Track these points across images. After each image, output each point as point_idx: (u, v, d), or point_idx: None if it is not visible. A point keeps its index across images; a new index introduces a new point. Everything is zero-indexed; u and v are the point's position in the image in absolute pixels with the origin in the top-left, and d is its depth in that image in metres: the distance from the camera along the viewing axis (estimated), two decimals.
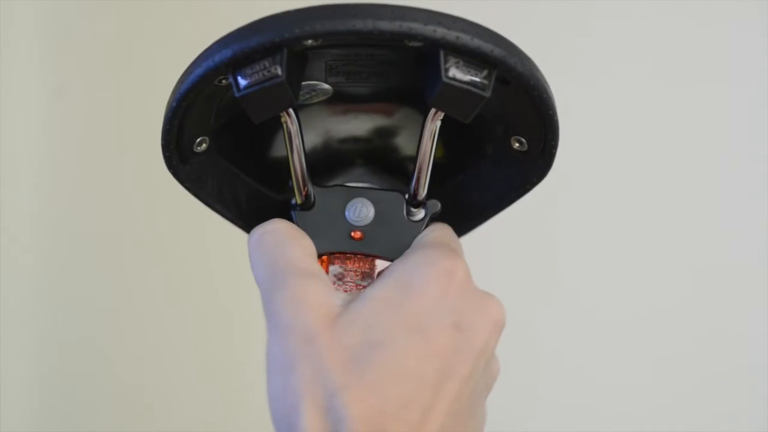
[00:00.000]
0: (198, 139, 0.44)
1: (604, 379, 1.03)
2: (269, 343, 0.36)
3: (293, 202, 0.44)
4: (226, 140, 0.46)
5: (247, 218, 0.50)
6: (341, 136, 0.49)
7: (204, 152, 0.45)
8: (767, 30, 1.00)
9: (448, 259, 0.38)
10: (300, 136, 0.42)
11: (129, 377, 1.08)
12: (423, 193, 0.44)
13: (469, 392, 0.36)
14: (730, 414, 1.01)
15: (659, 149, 1.02)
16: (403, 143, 0.50)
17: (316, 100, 0.45)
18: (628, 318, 1.03)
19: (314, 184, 0.44)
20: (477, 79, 0.38)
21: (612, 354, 1.03)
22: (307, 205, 0.44)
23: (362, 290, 0.38)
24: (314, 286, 0.37)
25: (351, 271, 0.42)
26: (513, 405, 1.04)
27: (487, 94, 0.38)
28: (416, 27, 0.37)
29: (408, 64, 0.41)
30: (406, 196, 0.44)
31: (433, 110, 0.41)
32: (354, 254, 0.43)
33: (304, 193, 0.44)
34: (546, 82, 0.40)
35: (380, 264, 0.43)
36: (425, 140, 0.42)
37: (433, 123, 0.41)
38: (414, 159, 0.43)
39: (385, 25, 0.37)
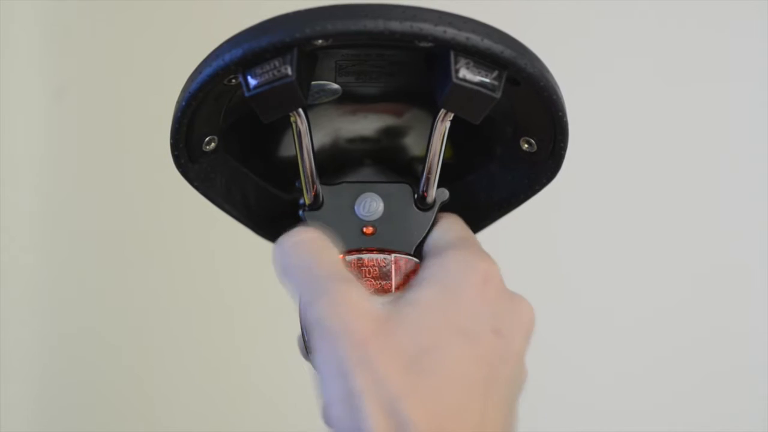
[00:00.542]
0: (207, 139, 0.44)
1: (604, 379, 1.03)
2: (318, 349, 0.36)
3: (302, 201, 0.44)
4: (235, 140, 0.46)
5: (255, 217, 0.50)
6: (350, 136, 0.49)
7: (213, 151, 0.45)
8: (767, 30, 1.00)
9: (483, 262, 0.39)
10: (309, 136, 0.42)
11: (129, 377, 1.08)
12: (432, 193, 0.44)
13: (511, 395, 0.37)
14: (730, 414, 1.01)
15: (659, 149, 1.02)
16: (412, 144, 0.49)
17: (325, 99, 0.45)
18: (628, 318, 1.03)
19: (322, 183, 0.44)
20: (487, 80, 0.38)
21: (612, 354, 1.03)
22: (316, 204, 0.44)
23: (403, 294, 0.38)
24: (356, 290, 0.37)
25: (367, 267, 0.42)
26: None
27: (498, 95, 0.38)
28: (427, 27, 0.37)
29: (418, 65, 0.41)
30: (414, 193, 0.44)
31: (442, 111, 0.40)
32: (369, 251, 0.43)
33: (312, 193, 0.44)
34: (556, 83, 0.40)
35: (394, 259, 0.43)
36: (435, 141, 0.42)
37: (443, 124, 0.41)
38: (423, 160, 0.43)
39: (395, 26, 0.37)
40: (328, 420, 0.35)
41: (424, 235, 0.44)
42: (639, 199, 1.03)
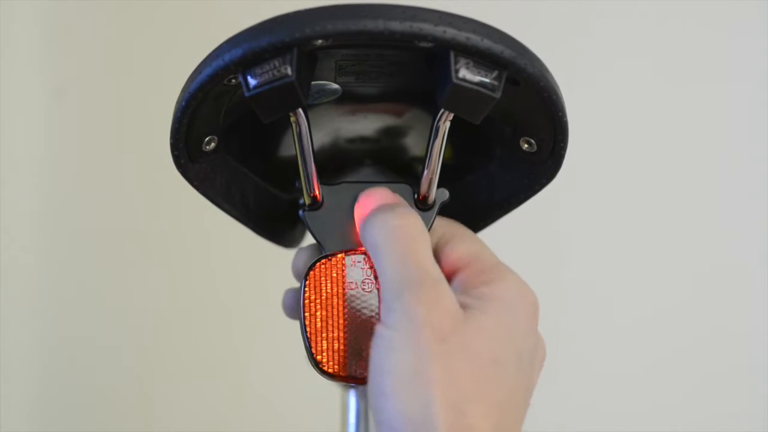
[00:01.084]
0: (207, 138, 0.44)
1: (604, 379, 1.03)
2: (395, 331, 0.37)
3: (301, 201, 0.44)
4: (234, 139, 0.46)
5: (255, 217, 0.49)
6: (350, 136, 0.49)
7: (213, 151, 0.45)
8: (767, 30, 1.00)
9: (533, 293, 0.41)
10: (309, 136, 0.42)
11: (129, 377, 1.08)
12: (432, 194, 0.44)
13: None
14: (730, 414, 1.01)
15: (659, 150, 1.02)
16: (412, 144, 0.49)
17: (325, 100, 0.45)
18: (628, 318, 1.03)
19: (322, 183, 0.44)
20: (487, 80, 0.38)
21: (612, 354, 1.03)
22: (316, 204, 0.44)
23: (480, 303, 0.38)
24: (446, 288, 0.38)
25: (368, 268, 0.42)
26: None
27: (497, 95, 0.38)
28: (427, 27, 0.37)
29: (418, 65, 0.41)
30: (414, 193, 0.44)
31: (442, 111, 0.40)
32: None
33: (312, 193, 0.44)
34: (556, 83, 0.40)
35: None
36: (434, 141, 0.42)
37: (443, 124, 0.41)
38: (423, 160, 0.43)
39: (395, 26, 0.37)
40: (381, 387, 0.36)
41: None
42: (639, 199, 1.03)
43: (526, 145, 0.44)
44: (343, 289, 0.42)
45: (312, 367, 0.42)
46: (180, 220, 1.06)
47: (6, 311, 1.04)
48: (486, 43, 0.37)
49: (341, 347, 0.41)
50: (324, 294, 0.42)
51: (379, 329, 0.37)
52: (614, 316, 1.03)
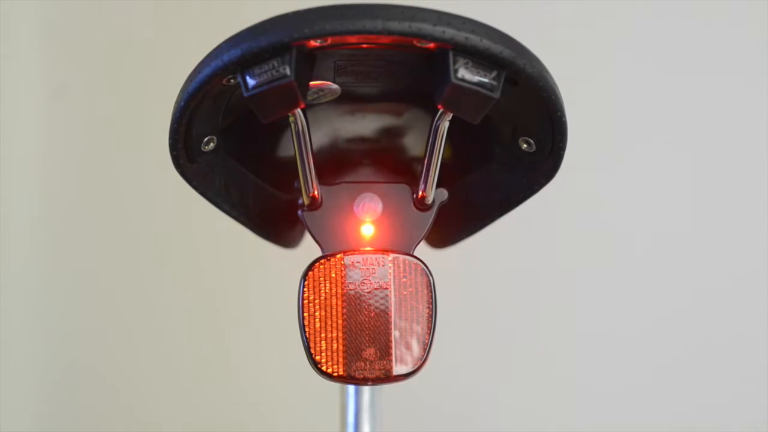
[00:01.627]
0: (206, 139, 0.44)
1: (604, 379, 1.03)
2: None
3: (300, 201, 0.44)
4: (233, 139, 0.46)
5: (253, 217, 0.49)
6: (349, 136, 0.49)
7: (211, 151, 0.44)
8: (767, 30, 1.00)
9: None
10: (308, 136, 0.42)
11: (129, 377, 1.08)
12: (431, 194, 0.44)
13: None
14: (730, 414, 1.01)
15: (659, 150, 1.02)
16: (411, 144, 0.49)
17: (324, 100, 0.45)
18: (628, 318, 1.03)
19: (321, 183, 0.44)
20: (486, 80, 0.38)
21: (612, 355, 1.03)
22: (315, 204, 0.44)
23: None
24: None
25: (366, 267, 0.42)
26: (515, 405, 1.04)
27: (496, 95, 0.38)
28: (425, 27, 0.37)
29: (417, 65, 0.41)
30: (413, 193, 0.44)
31: (441, 111, 0.40)
32: (368, 251, 0.43)
33: (311, 193, 0.43)
34: (555, 83, 0.40)
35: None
36: (434, 141, 0.42)
37: (442, 123, 0.41)
38: (422, 160, 0.43)
39: (394, 26, 0.36)
40: None
41: (423, 235, 0.43)
42: (639, 200, 1.03)
43: (525, 145, 0.44)
44: (342, 289, 0.42)
45: (311, 367, 0.41)
46: (180, 220, 1.05)
47: (6, 311, 1.04)
48: (485, 43, 0.37)
49: (340, 347, 0.41)
50: (323, 294, 0.42)
51: None
52: (614, 316, 1.03)
